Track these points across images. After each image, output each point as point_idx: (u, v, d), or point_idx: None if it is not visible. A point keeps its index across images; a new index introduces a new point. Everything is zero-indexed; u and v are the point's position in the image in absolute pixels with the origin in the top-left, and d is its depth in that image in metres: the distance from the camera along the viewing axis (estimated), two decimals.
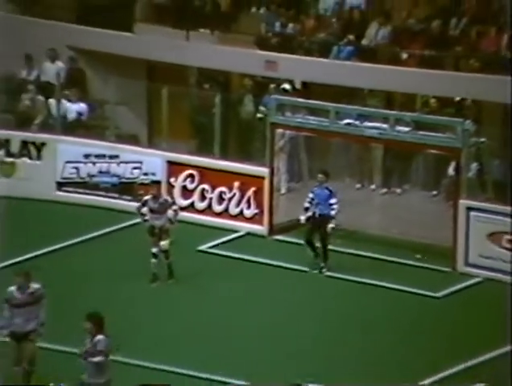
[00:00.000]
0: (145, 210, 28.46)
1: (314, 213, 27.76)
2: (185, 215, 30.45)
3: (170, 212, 28.44)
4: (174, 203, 28.87)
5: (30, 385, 22.16)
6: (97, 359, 20.88)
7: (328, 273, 28.40)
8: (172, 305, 27.56)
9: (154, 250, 28.02)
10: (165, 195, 29.17)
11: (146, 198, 28.41)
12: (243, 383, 22.84)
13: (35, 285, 22.67)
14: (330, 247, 28.97)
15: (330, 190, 28.06)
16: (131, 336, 25.28)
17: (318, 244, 28.19)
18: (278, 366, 24.50)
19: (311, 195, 28.07)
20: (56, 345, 24.59)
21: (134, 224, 30.66)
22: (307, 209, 27.92)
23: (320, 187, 28.15)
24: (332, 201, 27.80)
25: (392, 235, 29.32)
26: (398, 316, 26.76)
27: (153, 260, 28.05)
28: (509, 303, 25.81)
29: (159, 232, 28.14)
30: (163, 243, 27.98)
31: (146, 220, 28.37)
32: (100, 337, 20.97)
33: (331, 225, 27.69)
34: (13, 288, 22.48)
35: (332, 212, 27.73)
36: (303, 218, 28.08)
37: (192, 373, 24.48)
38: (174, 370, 24.30)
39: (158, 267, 28.19)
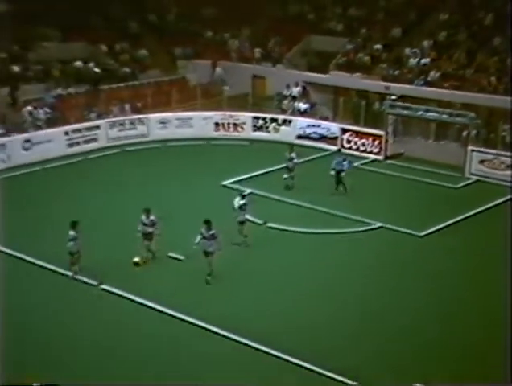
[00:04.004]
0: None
1: (335, 168, 24.91)
2: (347, 151, 29.30)
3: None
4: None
5: None
6: (211, 244, 18.37)
7: (407, 176, 27.27)
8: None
9: (285, 176, 25.27)
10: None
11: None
12: None
13: (241, 201, 20.52)
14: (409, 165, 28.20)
15: (344, 159, 25.34)
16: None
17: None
18: None
19: (334, 161, 25.21)
20: None
21: (319, 157, 28.82)
22: (333, 169, 25.00)
23: (338, 156, 25.64)
24: (344, 163, 25.08)
25: (437, 160, 28.06)
26: (436, 196, 25.76)
27: (285, 181, 25.32)
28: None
29: (290, 168, 25.18)
30: (291, 174, 25.22)
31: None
32: (212, 231, 18.41)
33: (343, 174, 24.84)
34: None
35: (344, 168, 24.94)
36: (332, 172, 25.09)
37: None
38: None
39: (289, 182, 25.26)
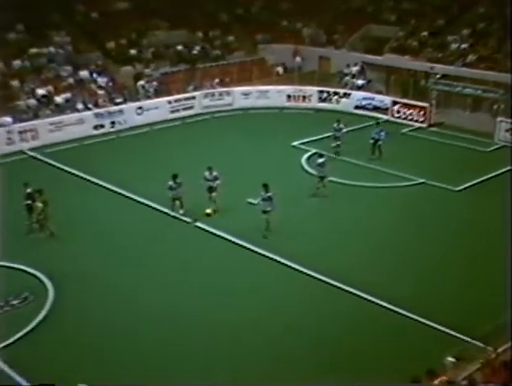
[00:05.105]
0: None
1: (374, 137, 23.25)
2: (396, 120, 28.15)
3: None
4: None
5: None
6: (268, 204, 17.28)
7: (446, 141, 25.65)
8: None
9: (333, 145, 23.47)
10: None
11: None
12: None
13: (320, 160, 19.83)
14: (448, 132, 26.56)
15: (381, 129, 23.45)
16: None
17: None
18: None
19: (373, 131, 23.55)
20: None
21: (365, 126, 26.45)
22: (373, 137, 23.39)
23: (378, 128, 23.53)
24: (382, 133, 23.30)
25: (472, 128, 26.37)
26: (470, 158, 24.32)
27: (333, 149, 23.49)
28: None
29: (337, 137, 23.61)
30: (338, 142, 23.53)
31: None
32: (270, 194, 17.24)
33: (379, 142, 23.16)
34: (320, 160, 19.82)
35: (381, 138, 23.19)
36: (371, 141, 23.31)
37: None
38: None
39: (337, 150, 23.45)
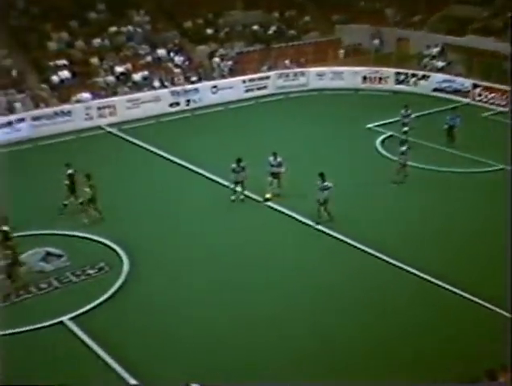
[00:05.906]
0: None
1: (448, 124, 22.22)
2: (476, 103, 26.91)
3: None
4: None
5: None
6: (324, 194, 16.74)
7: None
8: None
9: (403, 130, 22.26)
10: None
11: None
12: None
13: (403, 148, 19.33)
14: None
15: (457, 115, 22.25)
16: None
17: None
18: None
19: (448, 117, 22.39)
20: None
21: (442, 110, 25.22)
22: (446, 124, 22.34)
23: (453, 114, 22.42)
24: (457, 119, 22.13)
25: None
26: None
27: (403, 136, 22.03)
28: None
29: (405, 124, 22.49)
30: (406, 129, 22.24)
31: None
32: (327, 183, 16.68)
33: (455, 129, 22.15)
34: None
35: (456, 124, 22.00)
36: (445, 126, 22.18)
37: None
38: None
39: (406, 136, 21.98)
